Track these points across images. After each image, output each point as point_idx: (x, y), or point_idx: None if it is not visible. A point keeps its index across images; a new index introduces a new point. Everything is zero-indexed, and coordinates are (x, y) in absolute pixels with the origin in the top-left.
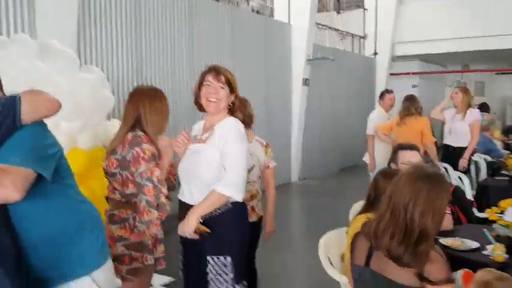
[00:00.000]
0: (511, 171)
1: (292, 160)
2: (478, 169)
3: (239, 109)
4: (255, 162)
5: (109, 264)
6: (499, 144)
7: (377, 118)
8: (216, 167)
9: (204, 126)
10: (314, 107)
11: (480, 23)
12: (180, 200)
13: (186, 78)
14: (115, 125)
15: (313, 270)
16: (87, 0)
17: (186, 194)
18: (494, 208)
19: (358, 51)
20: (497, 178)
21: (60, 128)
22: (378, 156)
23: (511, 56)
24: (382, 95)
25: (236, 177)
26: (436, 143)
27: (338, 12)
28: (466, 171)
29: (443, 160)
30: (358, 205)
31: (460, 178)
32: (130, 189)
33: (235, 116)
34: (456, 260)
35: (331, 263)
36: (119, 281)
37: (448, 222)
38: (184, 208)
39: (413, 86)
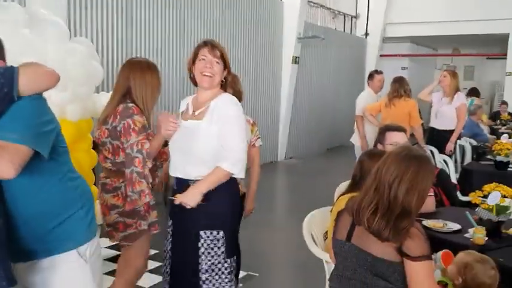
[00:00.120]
0: (497, 156)
1: (280, 138)
2: (463, 153)
3: (230, 85)
4: None
5: (96, 240)
6: (485, 129)
7: (366, 99)
8: (213, 143)
9: (195, 101)
10: (303, 86)
11: (472, 6)
12: (176, 177)
13: (175, 53)
14: (103, 97)
15: (297, 247)
16: None
17: (178, 169)
18: (478, 192)
19: (350, 31)
20: (481, 163)
21: (51, 99)
22: (359, 137)
23: (502, 41)
24: (371, 76)
25: (239, 155)
26: (423, 125)
27: None
28: (452, 155)
29: (428, 143)
30: (344, 185)
31: (445, 161)
32: (122, 157)
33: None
34: (438, 241)
35: (314, 241)
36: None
37: (431, 204)
38: (179, 183)
39: (403, 68)
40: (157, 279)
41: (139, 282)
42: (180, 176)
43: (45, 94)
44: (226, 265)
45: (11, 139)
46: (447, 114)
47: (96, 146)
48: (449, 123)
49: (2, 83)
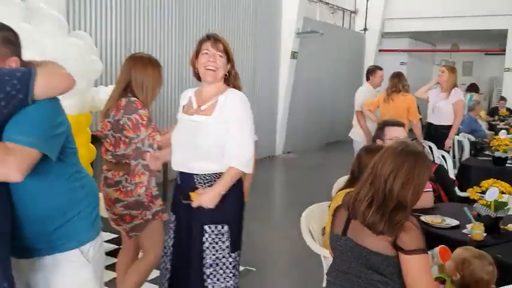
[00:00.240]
0: (495, 152)
1: (277, 133)
2: (461, 148)
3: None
4: None
5: (100, 239)
6: (483, 125)
7: (365, 94)
8: (221, 139)
9: (199, 96)
10: (301, 81)
11: (471, 2)
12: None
13: (174, 47)
14: (101, 91)
15: (295, 242)
16: None
17: (182, 164)
18: (476, 188)
19: (348, 27)
20: (480, 158)
21: None
22: (363, 133)
23: (501, 37)
24: (373, 71)
25: (249, 153)
26: (421, 120)
27: None
28: (449, 151)
29: (426, 138)
30: (342, 180)
31: (443, 157)
32: (122, 150)
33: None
34: (436, 237)
35: (312, 237)
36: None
37: (429, 200)
38: (184, 178)
39: (402, 63)
40: (154, 273)
41: None
42: (184, 171)
43: None
44: (230, 259)
45: (21, 142)
46: (444, 109)
47: (94, 140)
48: (446, 119)
49: (18, 89)
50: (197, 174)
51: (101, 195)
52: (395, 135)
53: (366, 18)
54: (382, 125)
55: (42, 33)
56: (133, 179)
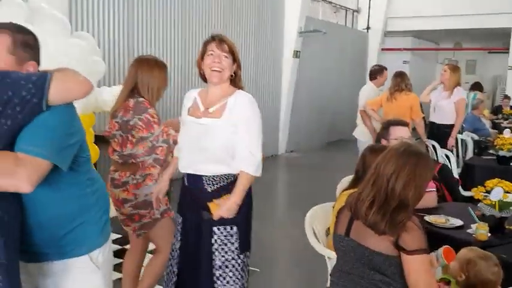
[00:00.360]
0: (499, 151)
1: (280, 132)
2: (465, 147)
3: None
4: None
5: (109, 244)
6: (487, 123)
7: (369, 93)
8: (231, 142)
9: (205, 97)
10: (304, 80)
11: (474, 1)
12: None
13: (177, 47)
14: (104, 92)
15: (298, 242)
16: None
17: (190, 166)
18: (480, 188)
19: (351, 25)
20: (483, 157)
21: None
22: (367, 133)
23: (504, 35)
24: (381, 72)
25: (259, 157)
26: (424, 119)
27: None
28: (452, 150)
29: (429, 137)
30: (346, 180)
31: (447, 156)
32: (129, 149)
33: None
34: (440, 237)
35: (316, 237)
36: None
37: (433, 200)
38: (192, 180)
39: (405, 62)
40: None
41: None
42: (192, 173)
43: None
44: (239, 261)
45: (32, 152)
46: (445, 108)
47: (98, 140)
48: (448, 118)
49: (33, 93)
50: (206, 176)
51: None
52: (400, 134)
53: (368, 17)
54: (387, 125)
55: (44, 34)
56: (143, 171)
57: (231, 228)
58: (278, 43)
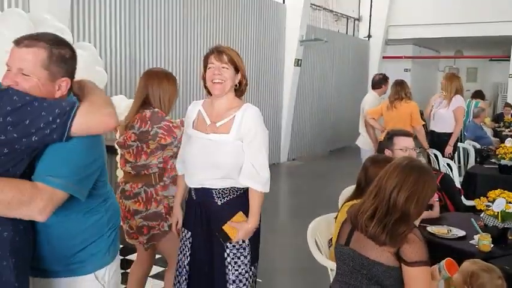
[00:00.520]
0: (500, 160)
1: (282, 141)
2: (466, 156)
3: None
4: None
5: (116, 263)
6: (489, 132)
7: (373, 102)
8: (241, 158)
9: (210, 110)
10: (305, 88)
11: (475, 9)
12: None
13: (179, 57)
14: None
15: (301, 252)
16: None
17: (199, 182)
18: (482, 198)
19: (352, 34)
20: (485, 166)
21: None
22: (370, 142)
23: (505, 43)
24: (385, 81)
25: (268, 172)
26: (425, 126)
27: None
28: (451, 158)
29: (429, 146)
30: (348, 191)
31: (448, 165)
32: (143, 160)
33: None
34: (442, 248)
35: (319, 248)
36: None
37: (435, 210)
38: (200, 194)
39: (406, 70)
40: (159, 284)
41: None
42: (199, 187)
43: None
44: (251, 273)
45: (51, 183)
46: (444, 116)
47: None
48: (447, 126)
49: (53, 129)
50: (215, 189)
51: None
52: (404, 145)
53: (369, 25)
54: (391, 135)
55: None
56: (170, 173)
57: (243, 241)
58: (279, 52)
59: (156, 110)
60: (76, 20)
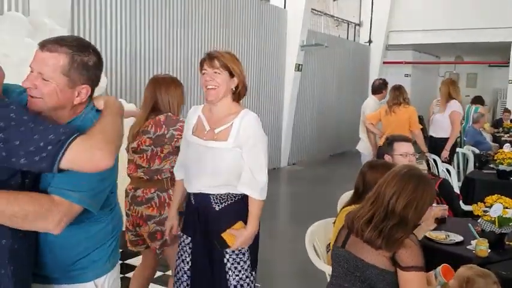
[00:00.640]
0: (499, 166)
1: (283, 145)
2: (466, 161)
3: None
4: None
5: (116, 271)
6: (488, 137)
7: (374, 107)
8: (240, 165)
9: (210, 116)
10: (306, 93)
11: (474, 15)
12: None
13: (179, 61)
14: None
15: (300, 257)
16: None
17: (197, 187)
18: (480, 204)
19: (353, 39)
20: (484, 171)
21: None
22: (368, 146)
23: (504, 49)
24: (386, 86)
25: (265, 180)
26: (423, 131)
27: None
28: (448, 162)
29: (428, 151)
30: (346, 196)
31: (447, 170)
32: (156, 164)
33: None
34: (440, 253)
35: (317, 253)
36: None
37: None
38: (199, 199)
39: (406, 75)
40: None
41: None
42: (198, 192)
43: None
44: (251, 278)
45: (69, 197)
46: (440, 122)
47: None
48: (444, 131)
49: (43, 158)
50: (213, 195)
51: None
52: (404, 150)
53: (370, 30)
54: (391, 141)
55: None
56: None
57: (242, 247)
58: (280, 56)
59: (170, 114)
60: (76, 24)
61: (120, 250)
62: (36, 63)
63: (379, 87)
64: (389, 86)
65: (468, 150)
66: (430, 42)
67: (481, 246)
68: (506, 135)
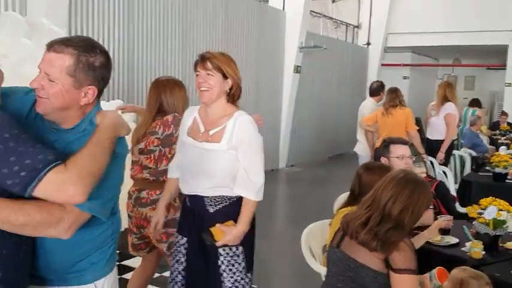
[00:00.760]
0: (495, 168)
1: (281, 147)
2: (463, 164)
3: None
4: None
5: (114, 274)
6: (485, 140)
7: (371, 108)
8: (234, 167)
9: (205, 117)
10: (304, 95)
11: (473, 18)
12: (188, 195)
13: (177, 64)
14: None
15: (298, 258)
16: None
17: (192, 188)
18: (474, 206)
19: (352, 41)
20: (480, 174)
21: None
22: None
23: (501, 52)
24: (383, 88)
25: (262, 181)
26: (420, 132)
27: (333, 1)
28: (444, 165)
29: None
30: (343, 197)
31: (444, 172)
32: (163, 165)
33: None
34: (435, 255)
35: (312, 254)
36: None
37: (429, 218)
38: (194, 201)
39: (405, 78)
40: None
41: None
42: (193, 194)
43: None
44: (247, 279)
45: (82, 207)
46: (435, 124)
47: None
48: (439, 133)
49: (15, 183)
50: (207, 197)
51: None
52: (401, 153)
53: (369, 32)
54: (387, 143)
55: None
56: None
57: (237, 249)
58: (279, 58)
59: (177, 114)
60: (74, 25)
61: (118, 251)
62: (44, 63)
63: (377, 90)
64: (386, 88)
65: (465, 153)
66: (428, 44)
67: (475, 248)
68: (503, 138)
